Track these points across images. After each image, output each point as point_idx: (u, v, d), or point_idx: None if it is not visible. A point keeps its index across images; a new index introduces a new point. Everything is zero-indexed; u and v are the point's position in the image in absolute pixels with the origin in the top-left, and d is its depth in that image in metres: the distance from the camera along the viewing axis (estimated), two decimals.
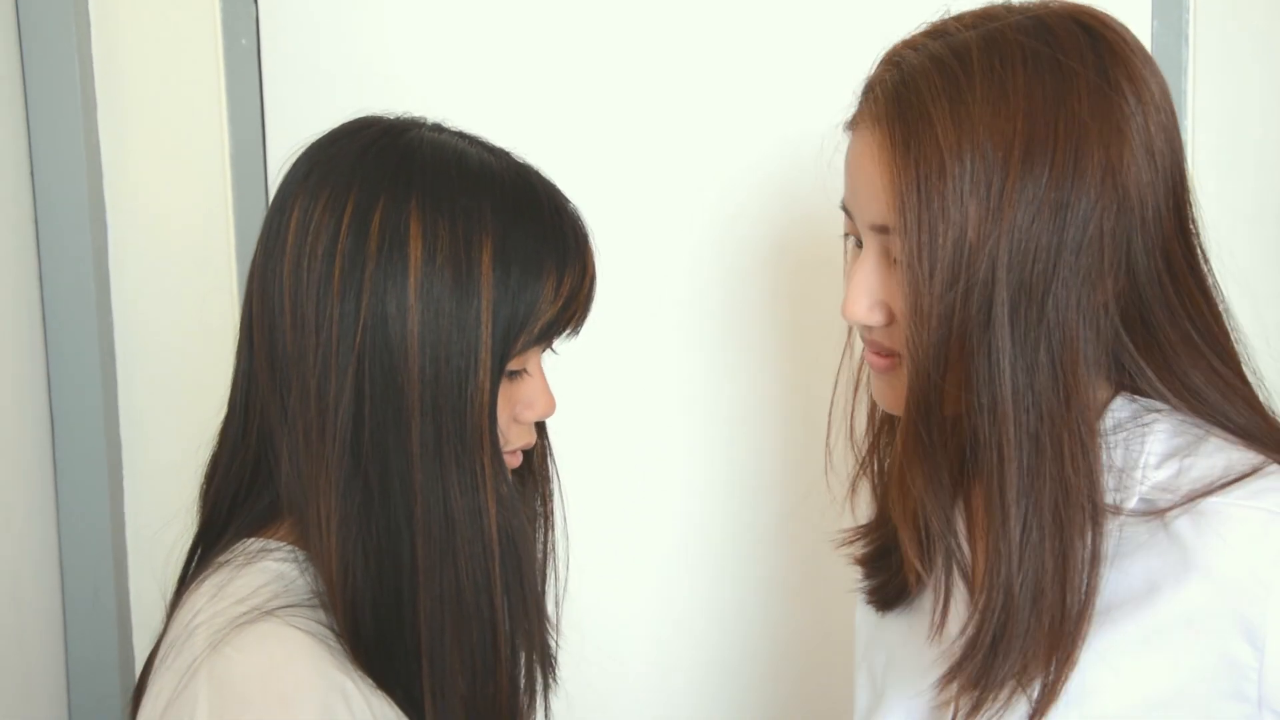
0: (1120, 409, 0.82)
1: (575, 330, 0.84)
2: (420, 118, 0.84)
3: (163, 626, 0.84)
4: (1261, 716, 0.76)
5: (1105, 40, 0.77)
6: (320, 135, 0.83)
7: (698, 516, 1.41)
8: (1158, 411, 0.81)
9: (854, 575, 0.94)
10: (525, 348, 0.80)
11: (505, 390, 0.80)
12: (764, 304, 1.38)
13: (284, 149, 1.34)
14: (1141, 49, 0.79)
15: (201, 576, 0.80)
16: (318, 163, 0.80)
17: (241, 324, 0.84)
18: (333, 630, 0.77)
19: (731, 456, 1.40)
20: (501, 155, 0.83)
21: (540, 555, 0.89)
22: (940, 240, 0.74)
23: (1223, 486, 0.77)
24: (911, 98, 0.75)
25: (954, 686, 0.80)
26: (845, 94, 0.82)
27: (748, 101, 1.34)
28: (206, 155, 1.36)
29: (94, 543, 1.38)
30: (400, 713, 0.78)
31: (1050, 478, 0.75)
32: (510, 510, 0.80)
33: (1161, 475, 0.79)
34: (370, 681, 0.77)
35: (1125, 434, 0.81)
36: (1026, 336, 0.74)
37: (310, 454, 0.77)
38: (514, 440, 0.83)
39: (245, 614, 0.75)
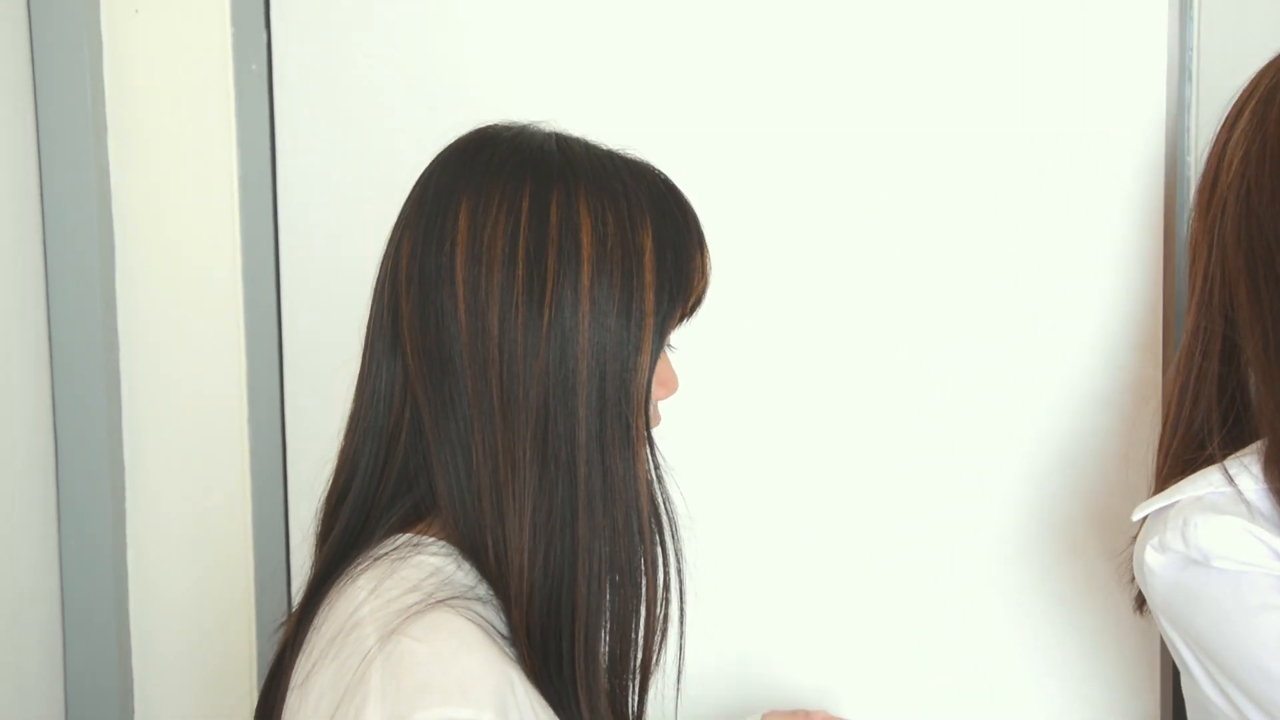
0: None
1: (695, 313, 0.90)
2: (536, 122, 0.89)
3: (284, 641, 0.85)
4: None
5: None
6: (445, 149, 0.87)
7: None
8: None
9: None
10: (679, 322, 0.86)
11: None
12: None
13: (294, 174, 1.37)
14: None
15: (353, 572, 0.81)
16: (474, 167, 0.83)
17: (378, 334, 0.85)
18: (490, 623, 0.79)
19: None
20: (626, 151, 0.89)
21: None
22: None
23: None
24: None
25: None
26: None
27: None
28: (216, 180, 1.37)
29: (95, 555, 1.37)
30: (550, 711, 0.80)
31: None
32: (659, 476, 0.86)
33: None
34: (523, 675, 0.79)
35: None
36: None
37: (496, 455, 0.80)
38: (650, 420, 0.88)
39: (416, 603, 0.76)
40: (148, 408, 1.40)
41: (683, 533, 0.88)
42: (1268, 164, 0.88)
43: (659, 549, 0.85)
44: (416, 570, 0.80)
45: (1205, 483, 0.89)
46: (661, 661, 0.87)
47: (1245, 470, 0.88)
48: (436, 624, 0.75)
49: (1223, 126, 0.97)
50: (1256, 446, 0.89)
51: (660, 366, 0.89)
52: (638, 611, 0.84)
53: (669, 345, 0.90)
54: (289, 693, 0.81)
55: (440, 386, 0.81)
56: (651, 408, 0.87)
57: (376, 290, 0.87)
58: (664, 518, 0.86)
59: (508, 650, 0.79)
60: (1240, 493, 0.86)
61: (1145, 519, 0.93)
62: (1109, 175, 1.27)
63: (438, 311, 0.81)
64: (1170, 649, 0.92)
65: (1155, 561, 0.88)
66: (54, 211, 1.34)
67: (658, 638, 0.86)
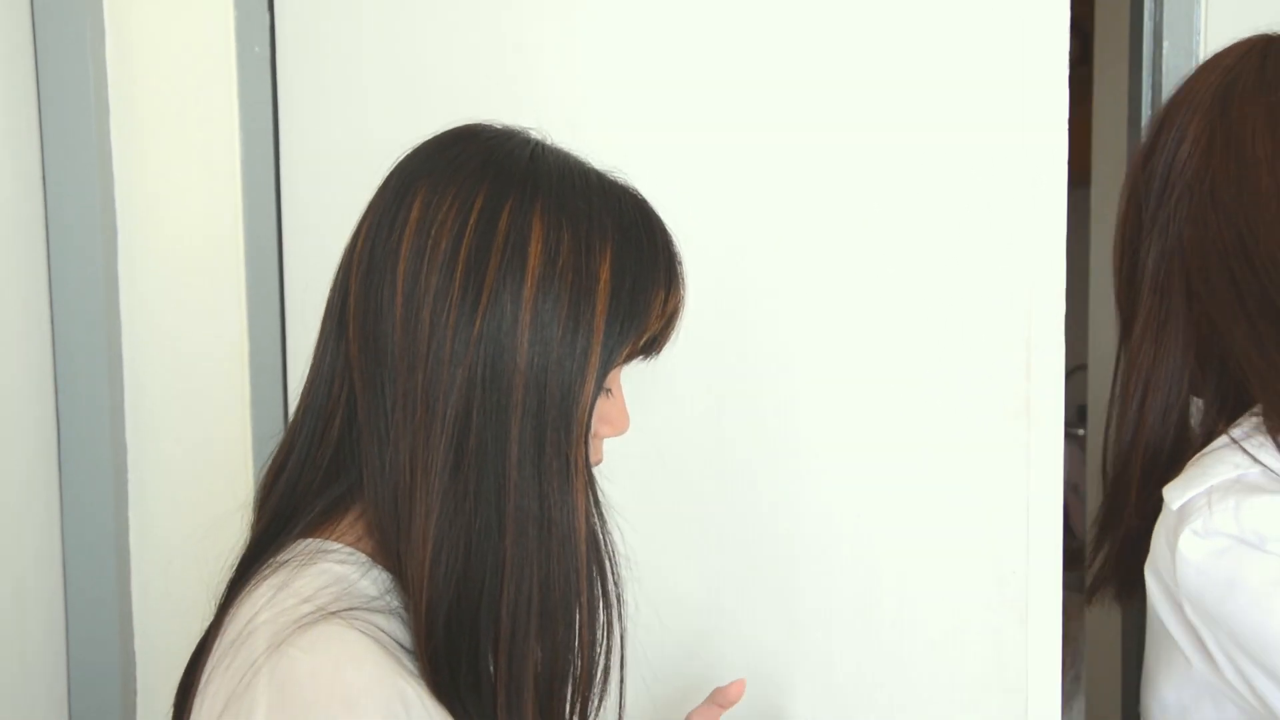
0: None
1: (658, 351, 0.87)
2: (526, 128, 0.85)
3: (208, 627, 0.84)
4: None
5: None
6: (429, 138, 0.84)
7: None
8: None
9: None
10: (627, 359, 0.82)
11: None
12: None
13: (297, 157, 1.36)
14: None
15: (259, 577, 0.80)
16: (441, 160, 0.81)
17: (329, 312, 0.84)
18: (391, 636, 0.77)
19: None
20: (611, 173, 0.85)
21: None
22: None
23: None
24: None
25: None
26: None
27: None
28: (218, 162, 1.36)
29: (97, 547, 1.37)
30: None
31: None
32: (598, 514, 0.82)
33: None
34: (427, 690, 0.76)
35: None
36: None
37: (412, 455, 0.77)
38: (591, 455, 0.84)
39: (309, 614, 0.74)
40: (150, 393, 1.40)
41: (623, 573, 0.84)
42: (1232, 156, 0.93)
43: (597, 588, 0.81)
44: (315, 579, 0.78)
45: (1230, 464, 0.89)
46: (601, 708, 0.84)
47: (1263, 448, 0.88)
48: (324, 637, 0.73)
49: (1164, 122, 1.00)
50: (1254, 424, 0.91)
51: (609, 405, 0.86)
52: (572, 653, 0.80)
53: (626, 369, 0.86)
54: (197, 693, 0.79)
55: (373, 375, 0.79)
56: (594, 444, 0.84)
57: (337, 269, 0.85)
58: (604, 556, 0.83)
59: (409, 665, 0.77)
60: (1274, 470, 0.87)
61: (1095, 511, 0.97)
62: (1020, 184, 1.17)
63: (378, 298, 0.79)
64: (1184, 640, 0.91)
65: (1193, 547, 0.87)
66: (56, 195, 1.34)
67: (596, 686, 0.83)
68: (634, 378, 1.17)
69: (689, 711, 1.03)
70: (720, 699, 1.01)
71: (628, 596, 0.85)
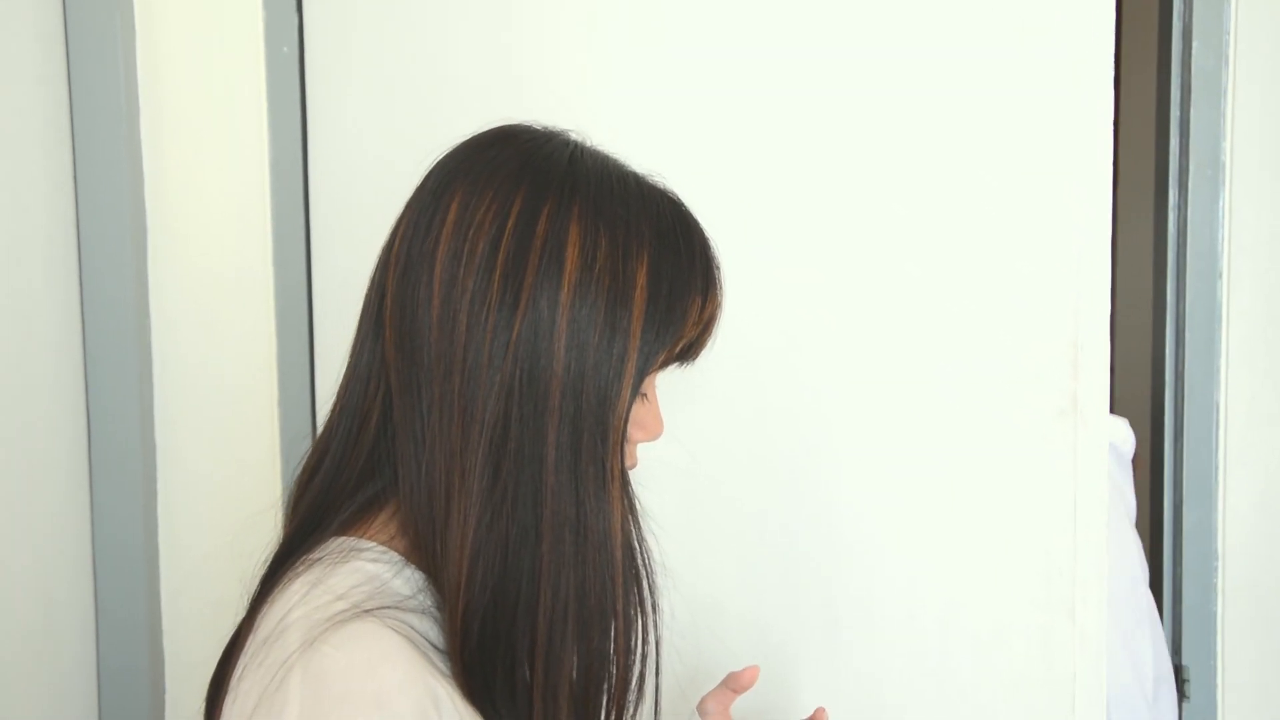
0: None
1: (695, 358, 0.86)
2: (566, 130, 0.85)
3: (240, 623, 0.83)
4: None
5: None
6: (468, 138, 0.83)
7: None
8: None
9: None
10: (664, 365, 0.82)
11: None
12: None
13: (325, 157, 1.37)
14: None
15: (292, 574, 0.79)
16: (479, 161, 0.80)
17: (366, 311, 0.83)
18: (423, 635, 0.77)
19: None
20: (650, 177, 0.85)
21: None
22: None
23: None
24: None
25: None
26: None
27: None
28: (247, 163, 1.37)
29: (127, 550, 1.38)
30: None
31: None
32: (635, 520, 0.82)
33: None
34: (458, 691, 0.76)
35: None
36: None
37: (449, 460, 0.77)
38: (626, 460, 0.83)
39: (342, 612, 0.74)
40: (179, 397, 1.40)
41: (660, 580, 0.83)
42: None
43: (633, 595, 0.80)
44: (349, 577, 0.78)
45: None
46: (637, 716, 0.83)
47: None
48: (358, 634, 0.73)
49: None
50: None
51: (644, 410, 0.86)
52: (608, 660, 0.80)
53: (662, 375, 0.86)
54: (229, 690, 0.78)
55: (410, 377, 0.79)
56: (628, 448, 0.83)
57: (375, 267, 0.84)
58: (640, 563, 0.82)
59: (440, 665, 0.77)
60: None
61: None
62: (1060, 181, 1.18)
63: (414, 300, 0.78)
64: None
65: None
66: (87, 196, 1.34)
67: (632, 693, 0.82)
68: (672, 383, 1.18)
69: (702, 696, 1.03)
70: (734, 683, 1.01)
71: (664, 604, 0.84)
